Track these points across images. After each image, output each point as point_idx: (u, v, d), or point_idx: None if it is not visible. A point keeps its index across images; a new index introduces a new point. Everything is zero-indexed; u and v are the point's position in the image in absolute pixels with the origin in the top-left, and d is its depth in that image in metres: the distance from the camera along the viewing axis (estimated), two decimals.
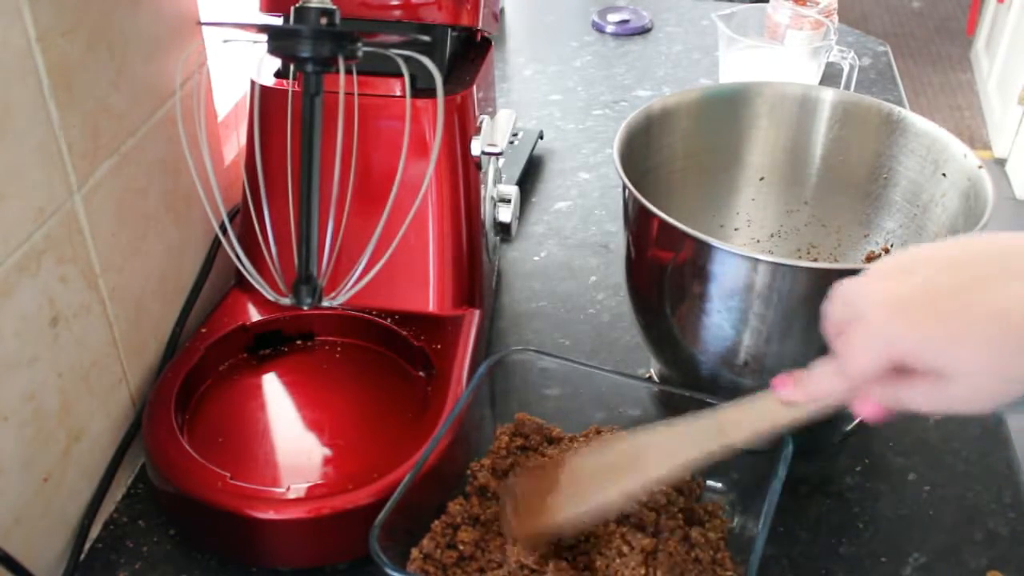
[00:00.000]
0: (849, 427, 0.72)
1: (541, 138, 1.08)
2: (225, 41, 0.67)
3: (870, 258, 0.76)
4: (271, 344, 0.73)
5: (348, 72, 0.59)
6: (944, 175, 0.69)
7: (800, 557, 0.63)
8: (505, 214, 0.78)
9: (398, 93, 0.69)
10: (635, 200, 0.64)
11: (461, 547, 0.56)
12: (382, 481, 0.59)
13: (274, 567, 0.62)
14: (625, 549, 0.55)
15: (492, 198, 0.77)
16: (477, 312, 0.74)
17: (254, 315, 0.73)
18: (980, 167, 0.66)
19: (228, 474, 0.60)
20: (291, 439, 0.66)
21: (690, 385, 0.68)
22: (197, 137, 0.69)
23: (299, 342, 0.74)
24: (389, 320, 0.72)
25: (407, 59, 0.63)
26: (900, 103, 1.16)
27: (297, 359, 0.73)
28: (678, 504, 0.59)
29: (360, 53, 0.59)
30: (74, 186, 0.59)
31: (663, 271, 0.65)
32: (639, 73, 1.27)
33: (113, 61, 0.62)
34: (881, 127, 0.74)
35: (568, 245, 0.94)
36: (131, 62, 0.64)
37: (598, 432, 0.64)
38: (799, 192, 0.79)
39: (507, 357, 0.64)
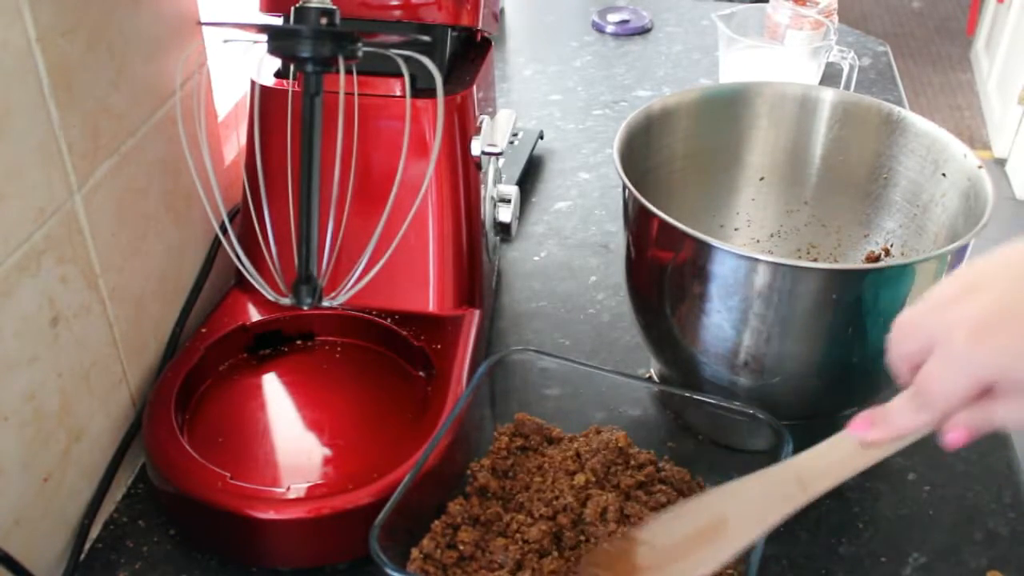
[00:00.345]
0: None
1: (541, 138, 1.08)
2: (225, 41, 0.67)
3: (870, 258, 0.76)
4: (271, 344, 0.73)
5: (348, 72, 0.59)
6: (944, 175, 0.69)
7: (800, 557, 0.63)
8: (505, 214, 0.78)
9: (398, 93, 0.69)
10: (635, 200, 0.64)
11: (461, 547, 0.56)
12: (382, 481, 0.59)
13: (274, 567, 0.62)
14: None
15: (492, 198, 0.77)
16: (477, 312, 0.74)
17: (254, 315, 0.73)
18: (980, 167, 0.66)
19: (228, 474, 0.60)
20: (291, 439, 0.66)
21: (690, 385, 0.68)
22: (197, 137, 0.69)
23: (299, 342, 0.74)
24: (389, 320, 0.72)
25: (407, 59, 0.63)
26: (900, 103, 1.16)
27: (297, 359, 0.73)
28: (678, 503, 0.59)
29: (360, 53, 0.59)
30: (74, 186, 0.59)
31: (663, 271, 0.65)
32: (639, 73, 1.27)
33: (113, 61, 0.62)
34: (881, 127, 0.74)
35: (568, 245, 0.94)
36: (131, 62, 0.64)
37: (598, 432, 0.64)
38: (799, 192, 0.79)
39: (507, 357, 0.64)
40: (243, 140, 0.85)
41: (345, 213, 0.65)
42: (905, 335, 0.45)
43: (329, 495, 0.59)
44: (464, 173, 0.72)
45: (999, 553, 0.63)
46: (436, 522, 0.57)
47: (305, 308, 0.60)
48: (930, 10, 3.75)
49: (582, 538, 0.57)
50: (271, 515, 0.58)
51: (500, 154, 0.73)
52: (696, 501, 0.54)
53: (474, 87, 0.72)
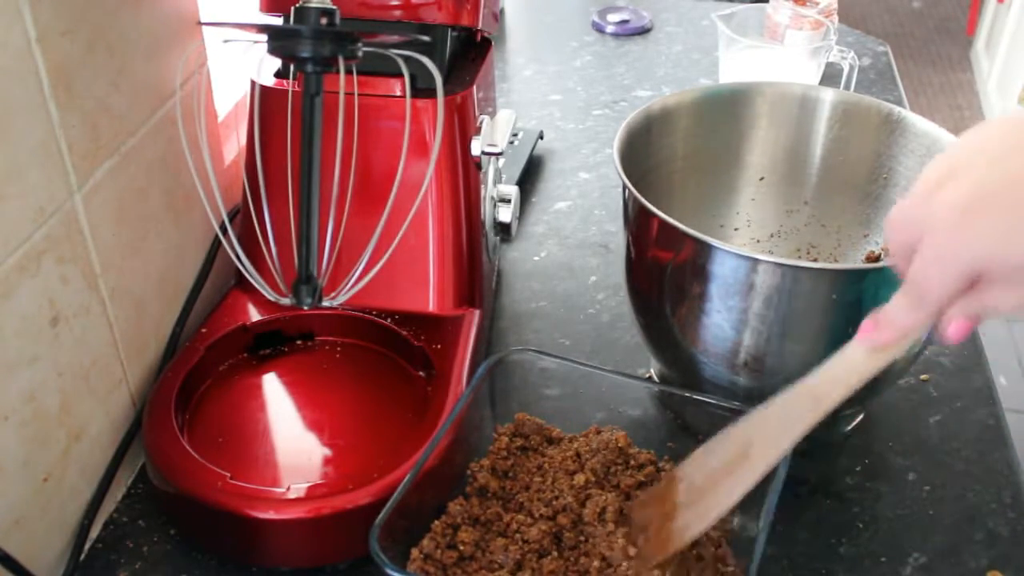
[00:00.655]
0: (849, 427, 0.72)
1: (541, 138, 1.08)
2: (225, 41, 0.67)
3: (870, 258, 0.76)
4: (271, 344, 0.73)
5: (348, 72, 0.59)
6: None
7: (800, 557, 0.63)
8: (505, 214, 0.78)
9: (398, 93, 0.69)
10: (635, 200, 0.64)
11: (461, 547, 0.56)
12: (382, 481, 0.59)
13: (274, 567, 0.62)
14: (631, 551, 0.55)
15: (492, 198, 0.77)
16: (477, 312, 0.74)
17: (254, 315, 0.73)
18: None
19: (228, 474, 0.60)
20: (291, 439, 0.66)
21: (690, 385, 0.68)
22: (197, 137, 0.69)
23: (299, 342, 0.74)
24: (389, 320, 0.72)
25: (407, 59, 0.63)
26: (900, 103, 1.16)
27: (297, 359, 0.73)
28: None
29: (360, 53, 0.59)
30: (74, 186, 0.59)
31: (663, 271, 0.65)
32: (639, 73, 1.27)
33: (113, 61, 0.62)
34: (881, 127, 0.74)
35: (568, 245, 0.94)
36: (131, 62, 0.64)
37: (598, 432, 0.64)
38: (799, 192, 0.79)
39: (507, 357, 0.64)
40: (243, 140, 0.85)
41: (345, 213, 0.65)
42: (897, 229, 0.46)
43: (329, 495, 0.59)
44: (464, 173, 0.72)
45: (999, 553, 0.63)
46: (436, 522, 0.57)
47: (305, 308, 0.60)
48: (930, 10, 3.75)
49: (581, 538, 0.57)
50: (271, 515, 0.58)
51: (500, 154, 0.73)
52: (724, 433, 0.56)
53: (474, 87, 0.72)
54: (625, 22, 1.38)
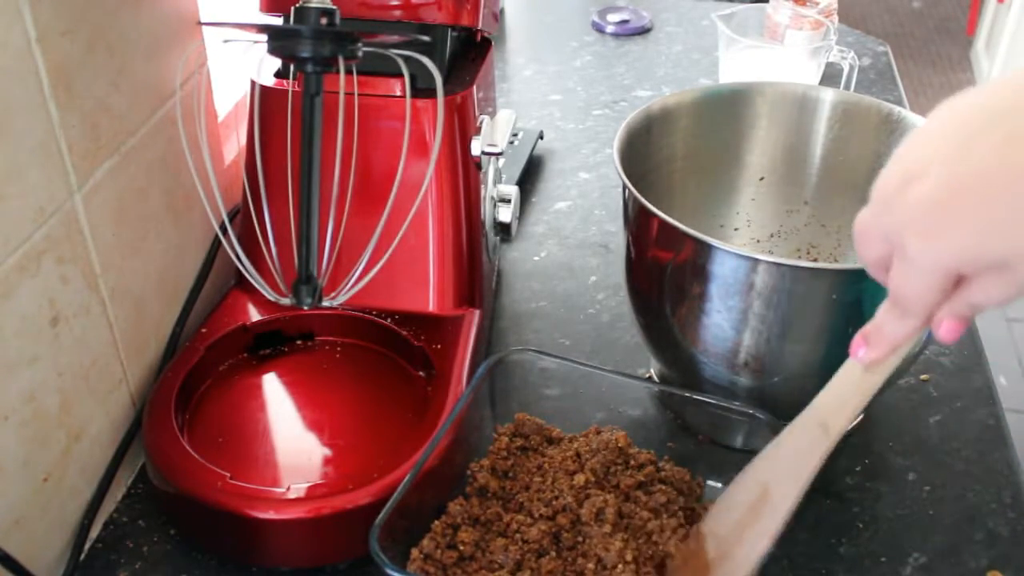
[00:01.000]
0: (849, 427, 0.72)
1: (541, 138, 1.08)
2: (225, 41, 0.67)
3: None
4: (271, 344, 0.73)
5: (348, 72, 0.59)
6: None
7: (800, 557, 0.63)
8: (505, 214, 0.78)
9: (398, 93, 0.69)
10: (635, 200, 0.64)
11: (461, 547, 0.56)
12: (382, 481, 0.59)
13: (274, 567, 0.62)
14: (628, 555, 0.55)
15: (492, 198, 0.77)
16: (477, 312, 0.74)
17: (254, 315, 0.73)
18: None
19: (228, 474, 0.60)
20: (291, 439, 0.66)
21: (690, 385, 0.68)
22: (197, 137, 0.69)
23: (299, 342, 0.74)
24: (389, 320, 0.72)
25: (407, 59, 0.63)
26: (900, 103, 1.16)
27: (297, 359, 0.73)
28: (678, 503, 0.59)
29: (360, 53, 0.59)
30: (74, 186, 0.59)
31: (663, 271, 0.65)
32: (639, 73, 1.27)
33: (113, 61, 0.62)
34: (881, 127, 0.74)
35: (568, 245, 0.94)
36: (131, 62, 0.64)
37: (598, 432, 0.64)
38: (799, 192, 0.79)
39: (507, 357, 0.64)
40: (243, 140, 0.85)
41: (345, 213, 0.65)
42: (863, 242, 0.44)
43: (329, 495, 0.59)
44: (464, 173, 0.72)
45: (999, 553, 0.63)
46: (436, 522, 0.57)
47: (305, 308, 0.60)
48: (930, 10, 3.75)
49: (579, 539, 0.57)
50: (271, 515, 0.58)
51: (500, 154, 0.73)
52: (740, 479, 0.55)
53: (474, 87, 0.72)
54: (625, 22, 1.38)
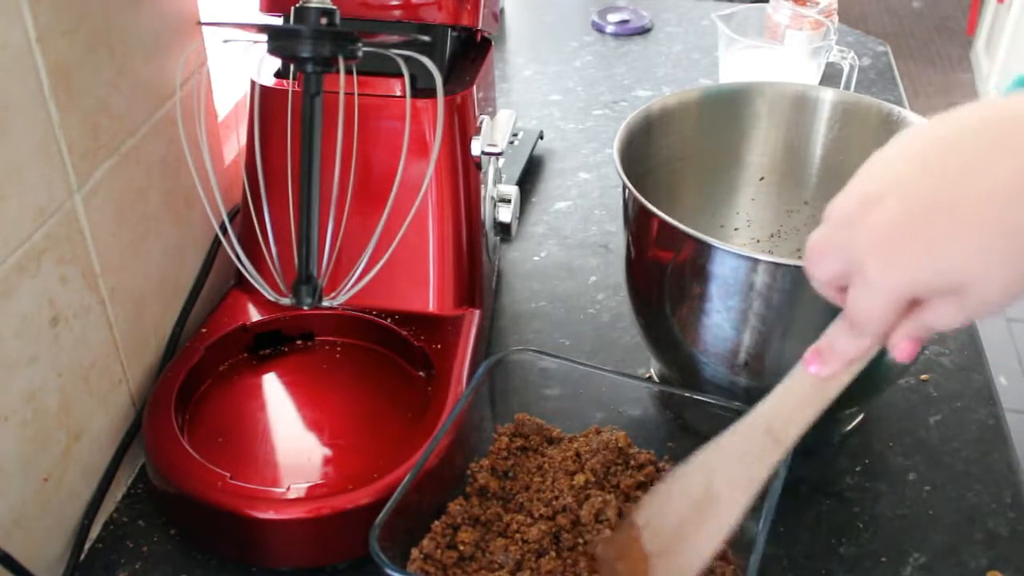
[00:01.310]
0: (849, 427, 0.72)
1: (541, 138, 1.08)
2: (225, 41, 0.67)
3: None
4: (271, 344, 0.73)
5: (348, 72, 0.59)
6: None
7: (800, 557, 0.63)
8: (505, 214, 0.78)
9: (398, 93, 0.69)
10: (635, 200, 0.64)
11: (461, 547, 0.56)
12: (382, 481, 0.59)
13: (274, 567, 0.62)
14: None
15: (492, 198, 0.77)
16: (477, 312, 0.74)
17: (254, 315, 0.73)
18: None
19: (228, 474, 0.60)
20: (291, 439, 0.66)
21: (690, 385, 0.68)
22: (197, 137, 0.69)
23: (299, 342, 0.74)
24: (389, 320, 0.72)
25: (407, 59, 0.63)
26: (900, 103, 1.16)
27: (297, 359, 0.73)
28: None
29: (360, 53, 0.59)
30: (74, 186, 0.59)
31: (663, 271, 0.65)
32: (639, 73, 1.27)
33: (113, 61, 0.62)
34: (881, 127, 0.74)
35: (568, 245, 0.94)
36: (131, 62, 0.64)
37: (598, 432, 0.64)
38: (799, 192, 0.79)
39: (507, 357, 0.64)
40: (243, 140, 0.85)
41: (345, 213, 0.65)
42: (819, 261, 0.45)
43: (329, 495, 0.59)
44: (464, 173, 0.72)
45: (999, 553, 0.63)
46: (436, 522, 0.57)
47: (305, 308, 0.60)
48: (930, 10, 3.75)
49: (579, 540, 0.57)
50: (271, 515, 0.58)
51: (500, 154, 0.73)
52: (680, 475, 0.55)
53: (474, 87, 0.72)
54: (625, 22, 1.38)
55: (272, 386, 0.70)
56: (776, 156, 0.79)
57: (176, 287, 0.73)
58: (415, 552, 0.55)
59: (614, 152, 0.67)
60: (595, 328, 0.83)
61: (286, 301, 0.61)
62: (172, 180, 0.71)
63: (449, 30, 0.70)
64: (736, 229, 0.81)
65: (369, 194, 0.69)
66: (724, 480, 0.52)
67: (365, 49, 0.60)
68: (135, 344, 0.68)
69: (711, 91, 0.77)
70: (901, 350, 0.45)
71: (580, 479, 0.60)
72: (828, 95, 0.76)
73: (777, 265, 0.59)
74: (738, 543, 0.58)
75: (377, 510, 0.53)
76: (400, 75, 0.64)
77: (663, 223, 0.61)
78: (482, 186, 0.74)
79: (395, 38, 0.69)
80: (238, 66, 0.84)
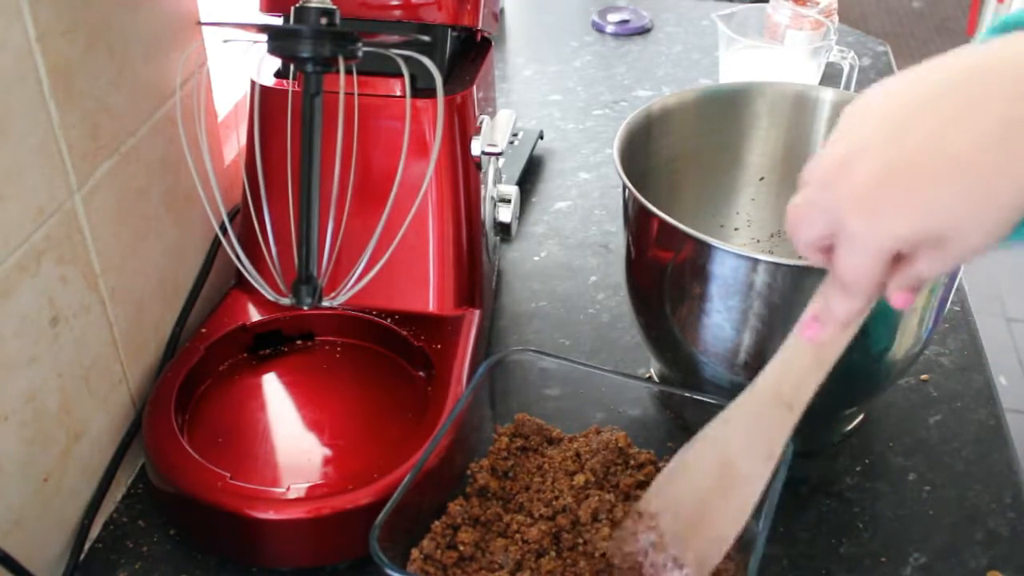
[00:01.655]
0: (849, 427, 0.72)
1: (541, 138, 1.08)
2: (225, 41, 0.67)
3: None
4: (271, 344, 0.73)
5: (348, 72, 0.59)
6: None
7: (800, 557, 0.63)
8: (505, 214, 0.78)
9: (398, 93, 0.69)
10: (635, 200, 0.64)
11: (461, 547, 0.56)
12: (382, 481, 0.59)
13: (274, 567, 0.62)
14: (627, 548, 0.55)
15: (492, 198, 0.77)
16: (477, 312, 0.74)
17: (254, 315, 0.73)
18: None
19: (228, 474, 0.60)
20: (291, 439, 0.66)
21: (690, 385, 0.68)
22: (197, 137, 0.69)
23: (299, 342, 0.74)
24: (389, 320, 0.72)
25: (407, 59, 0.63)
26: None
27: (297, 359, 0.73)
28: None
29: (360, 53, 0.59)
30: (74, 186, 0.59)
31: (663, 271, 0.65)
32: (639, 73, 1.27)
33: (113, 61, 0.62)
34: None
35: (568, 245, 0.94)
36: (131, 62, 0.64)
37: (598, 432, 0.64)
38: None
39: (507, 357, 0.64)
40: (243, 140, 0.85)
41: (345, 213, 0.65)
42: (801, 224, 0.45)
43: (329, 495, 0.59)
44: (464, 173, 0.72)
45: (999, 553, 0.63)
46: (436, 522, 0.57)
47: (305, 308, 0.60)
48: (930, 10, 3.75)
49: (579, 540, 0.57)
50: (271, 515, 0.58)
51: (500, 154, 0.73)
52: (691, 455, 0.55)
53: (474, 87, 0.72)
54: (625, 22, 1.38)
55: (272, 386, 0.70)
56: (776, 156, 0.79)
57: (176, 287, 0.73)
58: (415, 552, 0.55)
59: (614, 152, 0.67)
60: (595, 328, 0.83)
61: (286, 301, 0.61)
62: (172, 180, 0.71)
63: (449, 30, 0.70)
64: (736, 229, 0.81)
65: (369, 194, 0.69)
66: (740, 454, 0.52)
67: (365, 49, 0.60)
68: (135, 344, 0.68)
69: (711, 91, 0.77)
70: (896, 299, 0.45)
71: (580, 479, 0.60)
72: (828, 95, 0.76)
73: (777, 265, 0.59)
74: (738, 543, 0.58)
75: (377, 510, 0.53)
76: (400, 75, 0.64)
77: (663, 223, 0.61)
78: (482, 186, 0.74)
79: (395, 38, 0.69)
80: (238, 66, 0.84)
